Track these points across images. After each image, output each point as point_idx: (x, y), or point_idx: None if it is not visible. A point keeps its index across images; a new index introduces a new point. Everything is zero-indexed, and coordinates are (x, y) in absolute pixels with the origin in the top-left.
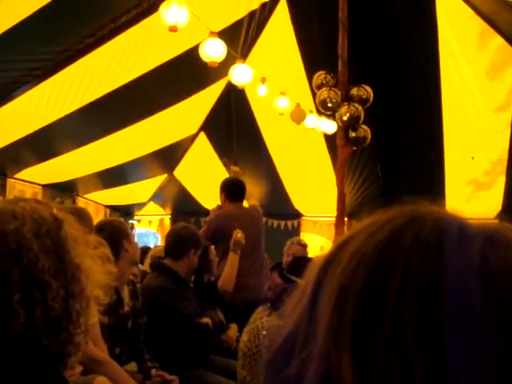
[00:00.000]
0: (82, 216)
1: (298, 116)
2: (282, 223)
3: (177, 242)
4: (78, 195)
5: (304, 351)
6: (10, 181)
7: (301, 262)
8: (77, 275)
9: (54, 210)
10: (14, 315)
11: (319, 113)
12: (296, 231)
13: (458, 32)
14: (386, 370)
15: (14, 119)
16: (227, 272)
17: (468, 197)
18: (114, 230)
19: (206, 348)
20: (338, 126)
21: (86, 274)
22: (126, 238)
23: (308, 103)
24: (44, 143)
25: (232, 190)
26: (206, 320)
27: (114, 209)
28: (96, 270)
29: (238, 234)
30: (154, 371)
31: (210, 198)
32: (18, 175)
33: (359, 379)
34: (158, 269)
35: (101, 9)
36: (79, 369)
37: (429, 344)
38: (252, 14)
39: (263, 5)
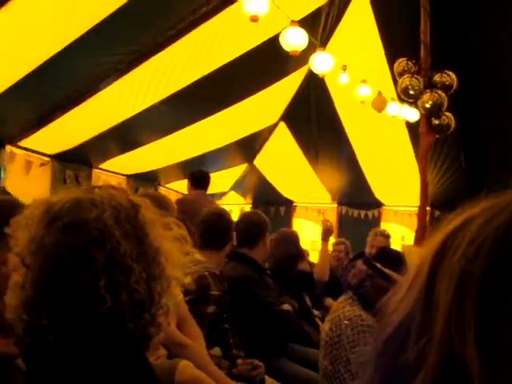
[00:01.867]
0: (163, 203)
1: (379, 104)
2: (363, 213)
3: (250, 230)
4: (159, 185)
5: (422, 338)
6: (95, 171)
7: (388, 252)
8: (157, 258)
9: (130, 196)
10: (101, 300)
11: (401, 100)
12: (376, 221)
13: None
14: None
15: (98, 112)
16: (321, 261)
17: None
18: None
19: (289, 335)
20: (421, 114)
21: (165, 256)
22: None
23: (389, 91)
24: (127, 134)
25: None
26: (287, 307)
27: None
28: (175, 252)
29: (328, 223)
30: (240, 361)
31: (289, 187)
32: (102, 166)
33: (485, 362)
34: (237, 258)
35: (181, 1)
36: (163, 351)
37: None
38: (331, 0)
39: None
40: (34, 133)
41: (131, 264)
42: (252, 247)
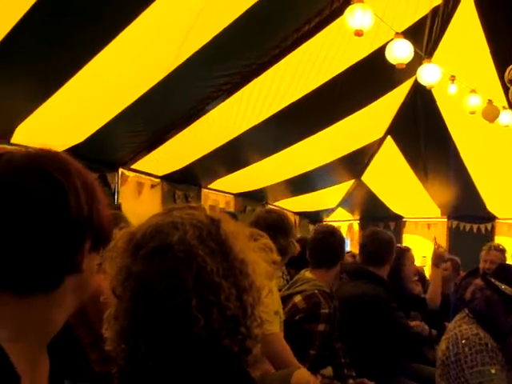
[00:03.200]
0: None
1: (490, 113)
2: (475, 227)
3: (380, 248)
4: (267, 203)
5: None
6: (204, 191)
7: (506, 268)
8: (244, 270)
9: (209, 212)
10: (195, 321)
11: None
12: (490, 235)
13: None
14: None
15: (206, 133)
16: (433, 287)
17: None
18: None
19: (419, 356)
20: None
21: (252, 267)
22: None
23: (500, 99)
24: (234, 154)
25: None
26: (415, 324)
27: (303, 215)
28: (260, 262)
29: (440, 248)
30: (351, 381)
31: (398, 201)
32: (211, 185)
33: None
34: (365, 277)
35: (284, 21)
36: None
37: None
38: (435, 9)
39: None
40: (144, 155)
41: (219, 281)
42: (380, 266)
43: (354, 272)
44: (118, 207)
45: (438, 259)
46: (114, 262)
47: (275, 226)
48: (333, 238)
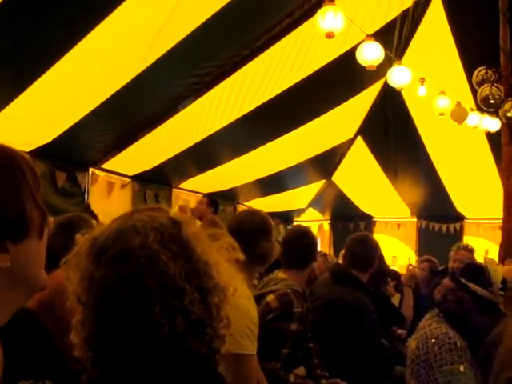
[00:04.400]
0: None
1: (459, 115)
2: (444, 227)
3: (366, 253)
4: (238, 203)
5: None
6: (175, 191)
7: (473, 268)
8: (207, 271)
9: (170, 213)
10: (159, 326)
11: (481, 110)
12: (459, 235)
13: None
14: None
15: (176, 133)
16: (406, 305)
17: None
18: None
19: (383, 369)
20: (502, 124)
21: (216, 268)
22: None
23: (468, 101)
24: (205, 154)
25: None
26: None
27: (273, 215)
28: (223, 262)
29: (414, 270)
30: (324, 381)
31: (368, 202)
32: (182, 185)
33: None
34: (348, 281)
35: (255, 21)
36: None
37: None
38: (405, 12)
39: (416, 2)
40: (115, 155)
41: (182, 285)
42: (364, 270)
43: (337, 274)
44: (87, 207)
45: (410, 280)
46: (78, 268)
47: (260, 229)
48: (305, 238)
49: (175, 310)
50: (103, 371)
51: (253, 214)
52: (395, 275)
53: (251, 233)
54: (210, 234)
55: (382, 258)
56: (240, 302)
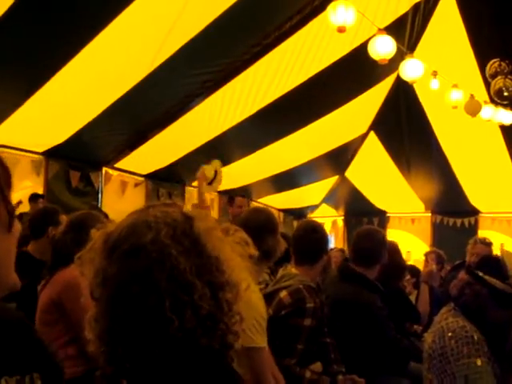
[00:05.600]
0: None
1: (472, 108)
2: (458, 221)
3: (374, 249)
4: (251, 200)
5: None
6: (188, 189)
7: (490, 260)
8: (219, 267)
9: (183, 209)
10: (169, 322)
11: (494, 103)
12: (473, 229)
13: None
14: None
15: (189, 130)
16: (421, 302)
17: None
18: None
19: (399, 361)
20: None
21: (228, 263)
22: None
23: (481, 94)
24: (218, 151)
25: None
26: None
27: (287, 212)
28: (236, 257)
29: (431, 267)
30: (340, 377)
31: (382, 197)
32: (195, 183)
33: None
34: (350, 277)
35: (265, 18)
36: None
37: None
38: (417, 5)
39: None
40: (127, 154)
41: (192, 280)
42: (371, 266)
43: (344, 272)
44: (96, 207)
45: (427, 277)
46: (92, 264)
47: (265, 226)
48: (314, 234)
49: (185, 305)
50: (115, 367)
51: (258, 211)
52: (416, 272)
53: (256, 230)
54: (223, 229)
55: (398, 252)
56: (247, 295)
